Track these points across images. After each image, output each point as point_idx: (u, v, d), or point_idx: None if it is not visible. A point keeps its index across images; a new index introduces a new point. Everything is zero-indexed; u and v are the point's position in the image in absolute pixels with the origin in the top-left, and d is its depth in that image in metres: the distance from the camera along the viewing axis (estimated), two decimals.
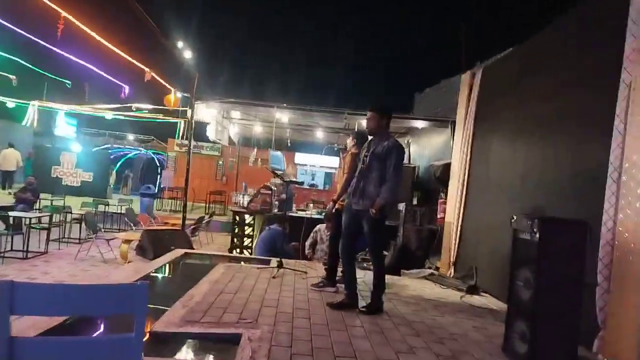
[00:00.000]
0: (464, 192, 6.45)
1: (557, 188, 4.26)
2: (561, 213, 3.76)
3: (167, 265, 5.69)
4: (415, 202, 9.45)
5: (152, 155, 25.77)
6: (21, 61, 13.23)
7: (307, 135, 13.28)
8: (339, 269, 4.60)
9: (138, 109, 17.39)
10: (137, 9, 6.67)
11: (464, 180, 6.48)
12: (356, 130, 6.17)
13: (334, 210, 4.69)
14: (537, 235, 2.96)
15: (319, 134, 12.22)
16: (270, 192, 8.56)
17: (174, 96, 11.09)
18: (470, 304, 4.87)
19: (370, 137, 4.30)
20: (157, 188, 19.56)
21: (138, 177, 25.14)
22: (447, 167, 7.40)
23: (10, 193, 12.61)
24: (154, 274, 5.22)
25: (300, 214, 8.67)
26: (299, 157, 19.54)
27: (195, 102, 8.94)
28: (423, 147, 10.67)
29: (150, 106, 17.16)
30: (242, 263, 6.16)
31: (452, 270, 6.48)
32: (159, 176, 22.36)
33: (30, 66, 14.43)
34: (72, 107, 18.71)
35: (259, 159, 13.69)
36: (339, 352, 3.01)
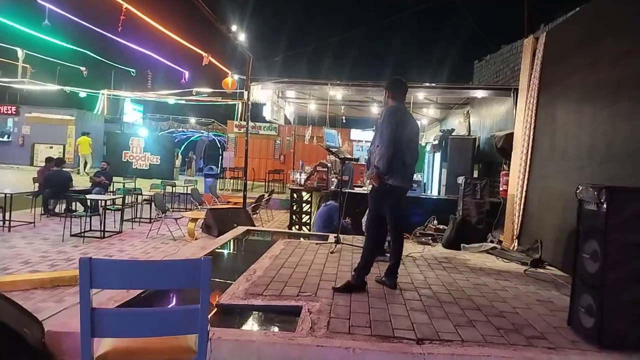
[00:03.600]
0: (528, 163, 6.17)
1: (627, 158, 3.99)
2: (631, 184, 3.53)
3: (231, 242, 5.96)
4: (475, 174, 9.18)
5: (214, 137, 26.72)
6: (90, 53, 14.05)
7: (362, 111, 13.19)
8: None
9: (198, 93, 18.05)
10: None
11: (527, 151, 6.19)
12: None
13: None
14: (604, 206, 2.81)
15: (374, 109, 12.09)
16: (326, 169, 8.64)
17: (231, 79, 11.38)
18: (535, 278, 4.73)
19: None
20: (219, 169, 20.33)
21: (201, 159, 26.24)
22: (509, 137, 7.09)
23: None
24: (219, 250, 5.49)
25: (357, 190, 8.70)
26: (355, 134, 19.49)
27: (250, 84, 9.12)
28: (483, 117, 10.26)
29: (210, 90, 17.73)
30: (302, 239, 6.33)
31: (516, 244, 6.28)
32: (220, 157, 23.18)
33: (97, 57, 15.31)
34: (137, 94, 19.75)
35: (315, 137, 13.79)
36: (397, 325, 3.05)
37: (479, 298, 3.85)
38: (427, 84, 9.17)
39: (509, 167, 6.99)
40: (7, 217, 8.06)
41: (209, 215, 7.00)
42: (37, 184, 9.94)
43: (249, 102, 9.41)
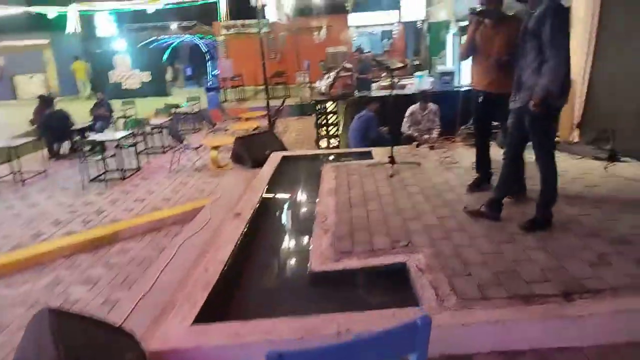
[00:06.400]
0: (595, 42, 5.41)
1: None
2: None
3: (274, 175, 5.38)
4: None
5: (197, 41, 24.62)
6: None
7: None
8: None
9: None
10: None
11: (594, 28, 5.39)
12: None
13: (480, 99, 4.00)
14: None
15: None
16: (349, 73, 7.83)
17: None
18: (624, 177, 4.27)
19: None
20: (209, 76, 18.97)
21: (188, 67, 24.60)
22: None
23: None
24: (270, 187, 4.94)
25: (384, 92, 7.90)
26: (353, 19, 17.65)
27: None
28: None
29: None
30: (345, 161, 5.76)
31: (576, 135, 5.79)
32: (208, 63, 21.62)
33: None
34: (111, 5, 17.85)
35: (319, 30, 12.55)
36: (527, 275, 2.62)
37: (585, 218, 3.40)
38: None
39: None
40: (17, 169, 7.44)
41: (238, 144, 6.40)
42: (34, 127, 9.18)
43: None
